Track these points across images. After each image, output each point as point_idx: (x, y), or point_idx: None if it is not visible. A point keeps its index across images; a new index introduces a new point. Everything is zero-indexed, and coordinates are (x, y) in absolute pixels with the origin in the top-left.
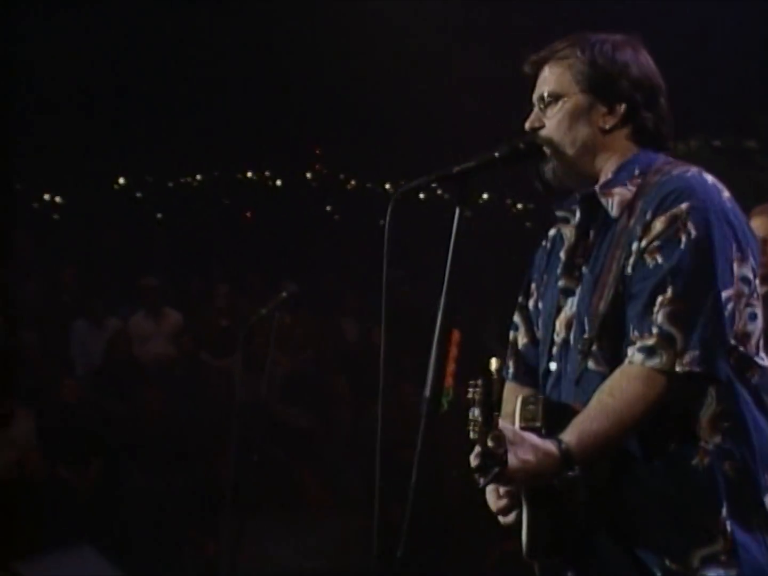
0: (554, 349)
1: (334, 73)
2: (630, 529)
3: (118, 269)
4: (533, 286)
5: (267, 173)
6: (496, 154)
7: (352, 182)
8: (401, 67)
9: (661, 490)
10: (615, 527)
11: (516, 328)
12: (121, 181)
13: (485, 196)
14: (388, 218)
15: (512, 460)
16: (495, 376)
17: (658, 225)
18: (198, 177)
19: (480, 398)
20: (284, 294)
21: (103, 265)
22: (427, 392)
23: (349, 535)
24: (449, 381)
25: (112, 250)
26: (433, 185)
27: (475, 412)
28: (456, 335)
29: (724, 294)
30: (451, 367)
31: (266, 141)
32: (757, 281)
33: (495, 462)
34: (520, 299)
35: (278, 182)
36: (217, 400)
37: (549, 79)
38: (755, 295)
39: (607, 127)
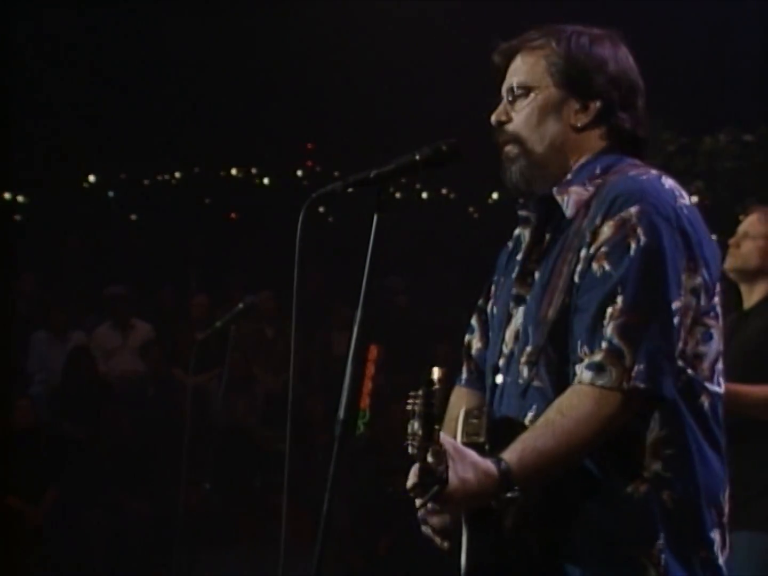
0: (501, 361)
1: (328, 62)
2: (556, 557)
3: (84, 276)
4: (493, 288)
5: (253, 170)
6: (417, 157)
7: None
8: (401, 59)
9: (590, 518)
10: (542, 554)
11: (472, 332)
12: (91, 178)
13: (495, 195)
14: (300, 224)
15: (452, 478)
16: (437, 386)
17: (606, 230)
18: (177, 174)
19: (420, 410)
20: (241, 305)
21: (68, 271)
22: (341, 414)
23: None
24: (365, 401)
25: (79, 254)
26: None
27: (415, 425)
28: (374, 351)
29: (673, 305)
30: (367, 386)
31: (253, 135)
32: (716, 299)
33: (434, 480)
34: (479, 302)
35: (266, 180)
36: (190, 421)
37: (520, 70)
38: (712, 314)
39: (579, 125)
